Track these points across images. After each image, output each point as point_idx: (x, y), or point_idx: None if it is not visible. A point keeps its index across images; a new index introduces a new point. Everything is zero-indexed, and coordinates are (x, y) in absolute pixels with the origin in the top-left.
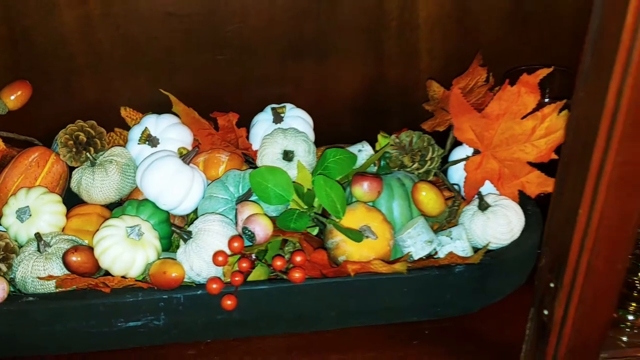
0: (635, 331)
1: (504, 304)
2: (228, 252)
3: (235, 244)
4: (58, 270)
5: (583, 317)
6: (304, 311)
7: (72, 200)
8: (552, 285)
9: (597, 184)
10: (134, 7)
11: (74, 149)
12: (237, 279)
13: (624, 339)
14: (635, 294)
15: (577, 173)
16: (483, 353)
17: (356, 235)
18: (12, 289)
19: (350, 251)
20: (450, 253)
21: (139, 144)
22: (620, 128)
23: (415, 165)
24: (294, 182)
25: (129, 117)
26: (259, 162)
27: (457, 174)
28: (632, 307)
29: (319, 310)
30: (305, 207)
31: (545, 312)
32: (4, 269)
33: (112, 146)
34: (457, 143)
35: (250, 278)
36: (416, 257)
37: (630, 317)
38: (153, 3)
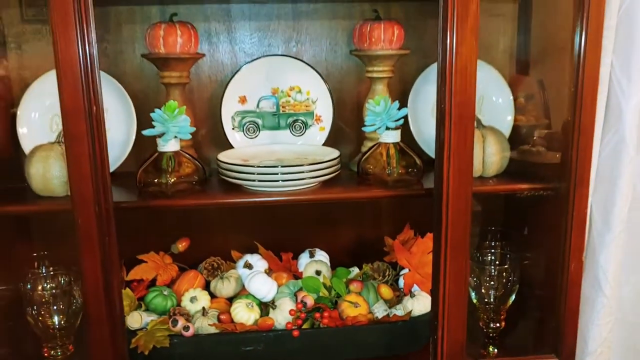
0: None
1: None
2: (294, 309)
3: (297, 307)
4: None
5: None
6: (325, 344)
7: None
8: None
9: (444, 282)
10: None
11: (210, 270)
12: (298, 322)
13: None
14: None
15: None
16: None
17: (353, 305)
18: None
19: (349, 313)
20: (394, 315)
21: (243, 268)
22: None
23: (379, 278)
24: (322, 282)
25: (235, 255)
26: (304, 276)
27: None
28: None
29: (331, 345)
30: (327, 293)
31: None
32: (185, 322)
33: (228, 269)
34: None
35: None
36: (380, 317)
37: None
38: None
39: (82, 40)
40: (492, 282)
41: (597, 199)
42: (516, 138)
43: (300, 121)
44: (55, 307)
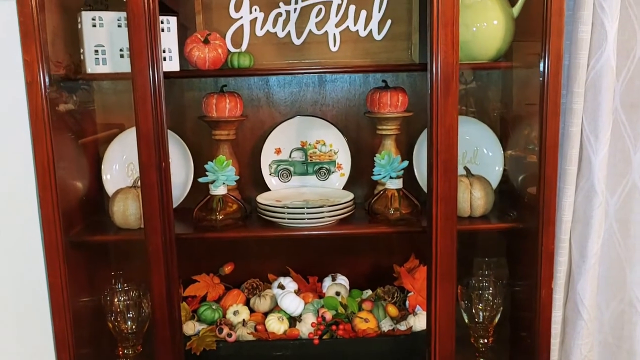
0: None
1: None
2: (315, 322)
3: (318, 321)
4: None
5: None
6: (340, 351)
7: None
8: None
9: (435, 303)
10: None
11: (250, 290)
12: (318, 333)
13: None
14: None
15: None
16: None
17: (363, 320)
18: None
19: (360, 326)
20: (398, 329)
21: (277, 288)
22: None
23: (389, 299)
24: (340, 301)
25: (271, 278)
26: (326, 296)
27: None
28: None
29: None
30: (343, 310)
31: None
32: (228, 330)
33: (265, 289)
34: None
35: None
36: (386, 331)
37: None
38: None
39: (155, 110)
40: (481, 305)
41: (574, 235)
42: (504, 184)
43: (324, 168)
44: (128, 315)
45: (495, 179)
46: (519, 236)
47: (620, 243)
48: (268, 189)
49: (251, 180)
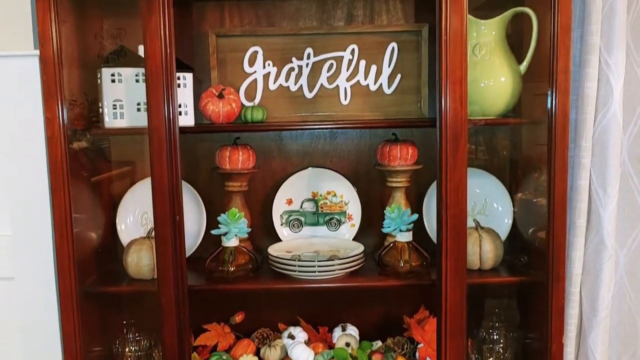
0: None
1: None
2: None
3: None
4: None
5: None
6: None
7: None
8: None
9: (445, 356)
10: None
11: (260, 339)
12: None
13: None
14: None
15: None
16: None
17: None
18: None
19: None
20: None
21: (287, 338)
22: None
23: (399, 350)
24: (350, 353)
25: (281, 327)
26: (336, 346)
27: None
28: None
29: None
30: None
31: None
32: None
33: (275, 339)
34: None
35: None
36: None
37: None
38: None
39: (171, 165)
40: (491, 359)
41: (585, 288)
42: (513, 237)
43: (335, 219)
44: None
45: (504, 232)
46: (529, 289)
47: (631, 296)
48: (279, 239)
49: (263, 230)
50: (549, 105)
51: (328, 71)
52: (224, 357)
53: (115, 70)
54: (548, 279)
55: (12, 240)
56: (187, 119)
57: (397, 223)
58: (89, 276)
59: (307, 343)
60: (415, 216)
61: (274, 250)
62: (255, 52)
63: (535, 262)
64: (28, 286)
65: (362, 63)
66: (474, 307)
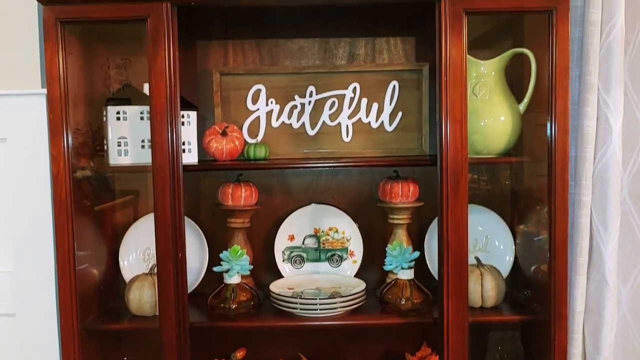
0: None
1: None
2: None
3: None
4: None
5: None
6: None
7: None
8: None
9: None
10: None
11: None
12: None
13: None
14: None
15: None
16: None
17: None
18: None
19: None
20: None
21: None
22: None
23: None
24: None
25: None
26: None
27: None
28: None
29: None
30: None
31: None
32: None
33: None
34: None
35: None
36: None
37: None
38: None
39: (174, 203)
40: None
41: (587, 326)
42: (515, 274)
43: (337, 255)
44: None
45: (506, 269)
46: (531, 326)
47: (634, 334)
48: (281, 275)
49: (264, 265)
50: (548, 145)
51: (330, 109)
52: None
53: (121, 108)
54: (550, 318)
55: (14, 276)
56: (190, 157)
57: (399, 261)
58: (91, 313)
59: None
60: (417, 254)
61: (275, 287)
62: (259, 90)
63: (538, 299)
64: (29, 323)
65: (364, 101)
66: (476, 342)
